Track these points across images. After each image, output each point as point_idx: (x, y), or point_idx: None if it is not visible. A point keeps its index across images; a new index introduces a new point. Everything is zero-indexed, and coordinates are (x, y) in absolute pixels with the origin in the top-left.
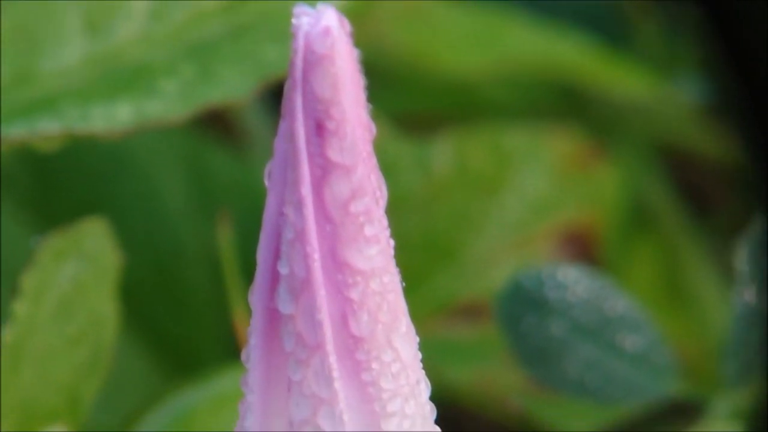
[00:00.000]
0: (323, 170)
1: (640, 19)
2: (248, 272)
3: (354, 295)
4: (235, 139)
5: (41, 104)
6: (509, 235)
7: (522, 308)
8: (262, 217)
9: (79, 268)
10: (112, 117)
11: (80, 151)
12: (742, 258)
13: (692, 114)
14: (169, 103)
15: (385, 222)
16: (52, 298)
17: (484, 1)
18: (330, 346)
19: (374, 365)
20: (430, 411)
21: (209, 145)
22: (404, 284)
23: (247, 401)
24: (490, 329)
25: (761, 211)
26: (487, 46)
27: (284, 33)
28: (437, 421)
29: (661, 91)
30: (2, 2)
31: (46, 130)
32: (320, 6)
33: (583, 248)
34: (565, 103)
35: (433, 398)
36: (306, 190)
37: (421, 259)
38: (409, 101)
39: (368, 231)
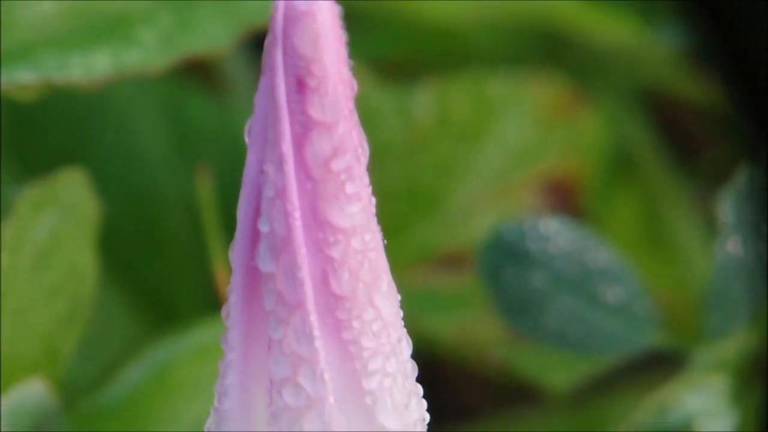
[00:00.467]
0: (304, 128)
1: None
2: (228, 221)
3: (335, 253)
4: (216, 87)
5: (18, 53)
6: (491, 183)
7: (503, 260)
8: (242, 165)
9: (57, 219)
10: (90, 66)
11: (59, 101)
12: (726, 208)
13: (675, 59)
14: (147, 53)
15: (366, 180)
16: (30, 250)
17: None
18: (311, 305)
19: (355, 324)
20: (411, 369)
21: (189, 93)
22: (385, 233)
23: (227, 359)
24: (470, 279)
25: (745, 160)
26: None
27: None
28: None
29: (644, 37)
30: None
31: (24, 79)
32: None
33: (565, 196)
34: (547, 50)
35: (413, 349)
36: (287, 148)
37: (402, 209)
38: (390, 47)
39: (349, 189)
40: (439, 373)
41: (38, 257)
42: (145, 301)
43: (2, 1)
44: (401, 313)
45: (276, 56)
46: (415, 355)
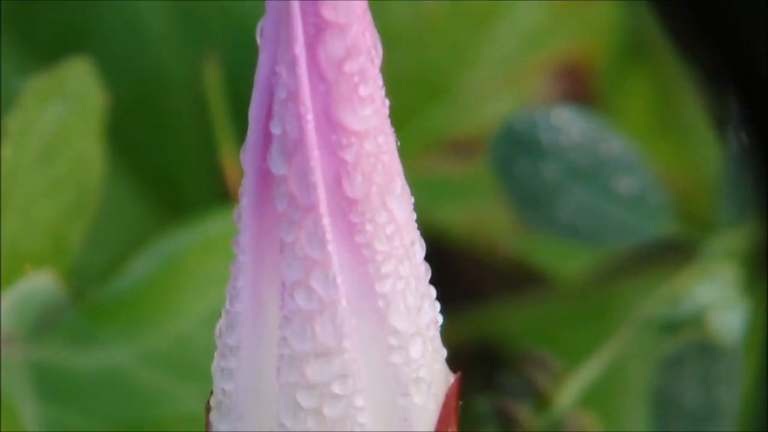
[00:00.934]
0: (317, 29)
1: None
2: (235, 104)
3: (348, 156)
4: None
5: None
6: (502, 68)
7: (515, 151)
8: (249, 46)
9: (63, 110)
10: None
11: None
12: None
13: None
14: None
15: (380, 81)
16: (36, 141)
17: None
18: (323, 208)
19: (368, 227)
20: (424, 271)
21: None
22: (395, 120)
23: (239, 262)
24: (482, 166)
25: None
26: None
27: None
28: (426, 260)
29: None
30: None
31: None
32: None
33: (576, 81)
34: None
35: (422, 237)
36: (299, 49)
37: (412, 95)
38: None
39: (363, 91)
40: (448, 263)
41: (44, 149)
42: (153, 190)
43: None
44: (414, 216)
45: None
46: (425, 243)
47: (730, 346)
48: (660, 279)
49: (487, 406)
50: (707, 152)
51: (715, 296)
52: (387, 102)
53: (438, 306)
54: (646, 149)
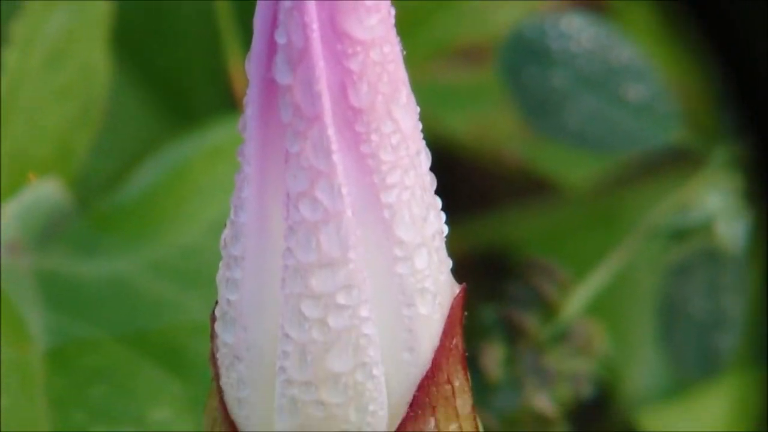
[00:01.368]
0: None
1: None
2: (241, 13)
3: (353, 65)
4: None
5: None
6: None
7: (523, 59)
8: None
9: (69, 17)
10: None
11: None
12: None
13: None
14: None
15: None
16: (42, 48)
17: None
18: (328, 118)
19: (373, 137)
20: (430, 181)
21: None
22: (402, 27)
23: (244, 172)
24: (490, 74)
25: None
26: None
27: None
28: (432, 169)
29: None
30: None
31: None
32: None
33: None
34: None
35: (429, 146)
36: None
37: (418, 3)
38: None
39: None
40: (455, 171)
41: (50, 56)
42: (159, 98)
43: None
44: (420, 126)
45: None
46: (432, 152)
47: (736, 255)
48: (668, 187)
49: (493, 315)
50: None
51: (721, 205)
52: (393, 11)
53: (443, 216)
54: (655, 57)
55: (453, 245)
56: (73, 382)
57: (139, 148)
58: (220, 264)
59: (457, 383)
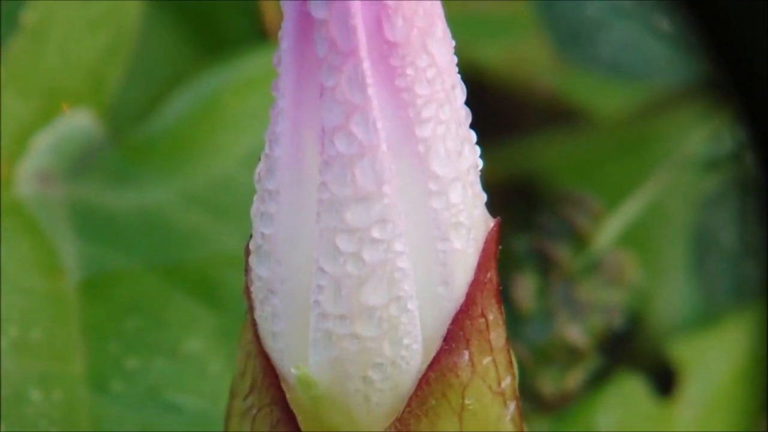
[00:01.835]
0: None
1: None
2: None
3: None
4: None
5: None
6: None
7: None
8: None
9: None
10: None
11: None
12: None
13: None
14: None
15: None
16: None
17: None
18: (364, 52)
19: (409, 71)
20: (465, 116)
21: None
22: None
23: (278, 106)
24: (523, 4)
25: None
26: None
27: None
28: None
29: None
30: None
31: None
32: None
33: None
34: None
35: (461, 76)
36: None
37: None
38: None
39: None
40: (486, 101)
41: None
42: (191, 28)
43: None
44: (455, 60)
45: None
46: (464, 82)
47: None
48: (700, 117)
49: (525, 247)
50: None
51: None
52: None
53: (478, 150)
54: None
55: (485, 174)
56: (108, 313)
57: (170, 79)
58: (255, 197)
59: (491, 317)
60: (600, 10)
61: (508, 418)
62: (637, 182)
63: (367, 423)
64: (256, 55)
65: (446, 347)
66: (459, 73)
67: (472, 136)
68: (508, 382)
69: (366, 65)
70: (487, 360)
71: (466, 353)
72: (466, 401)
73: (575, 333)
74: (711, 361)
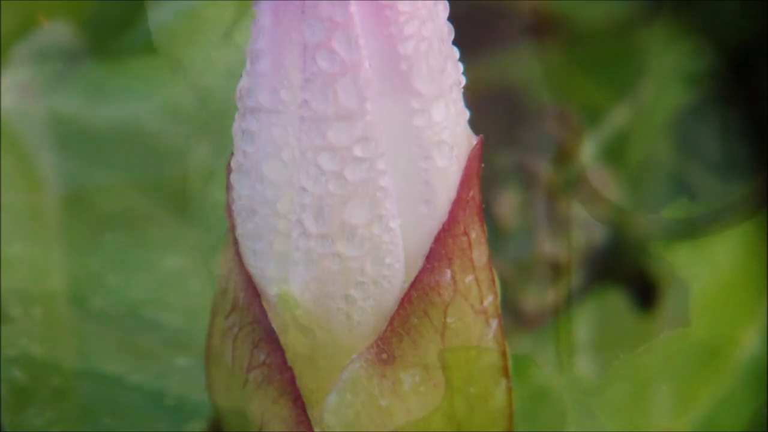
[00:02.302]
0: None
1: None
2: None
3: None
4: None
5: None
6: None
7: None
8: None
9: None
10: None
11: None
12: None
13: None
14: None
15: None
16: None
17: None
18: None
19: None
20: (448, 32)
21: None
22: None
23: (259, 23)
24: None
25: None
26: None
27: None
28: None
29: None
30: None
31: None
32: None
33: None
34: None
35: None
36: None
37: None
38: None
39: None
40: (469, 11)
41: None
42: None
43: None
44: None
45: None
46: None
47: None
48: (681, 31)
49: (507, 162)
50: None
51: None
52: None
53: (461, 67)
54: None
55: (467, 87)
56: (88, 228)
57: None
58: (236, 115)
59: (473, 235)
60: None
61: (491, 336)
62: (619, 95)
63: (348, 342)
64: None
65: (428, 266)
66: None
67: (455, 52)
68: (490, 301)
69: None
70: (469, 278)
71: (448, 272)
72: (448, 320)
73: (557, 248)
74: (693, 275)
